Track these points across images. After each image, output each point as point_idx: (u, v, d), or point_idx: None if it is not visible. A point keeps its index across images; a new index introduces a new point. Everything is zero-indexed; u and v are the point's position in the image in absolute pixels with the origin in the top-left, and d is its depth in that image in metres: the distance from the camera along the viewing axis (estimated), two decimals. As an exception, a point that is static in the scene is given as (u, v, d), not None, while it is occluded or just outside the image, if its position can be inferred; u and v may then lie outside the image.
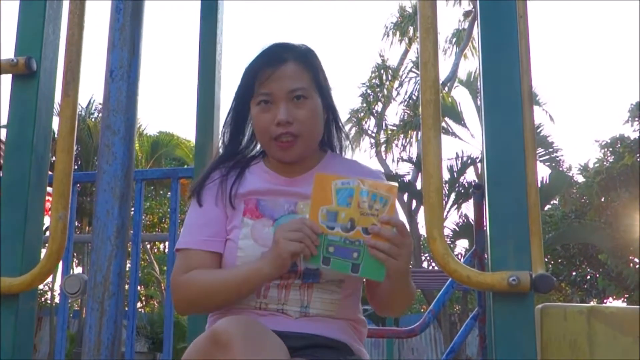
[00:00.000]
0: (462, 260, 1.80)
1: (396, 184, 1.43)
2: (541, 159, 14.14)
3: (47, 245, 1.46)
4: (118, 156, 1.13)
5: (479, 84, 1.44)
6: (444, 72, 16.70)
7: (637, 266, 13.53)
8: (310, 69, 1.61)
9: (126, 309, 2.81)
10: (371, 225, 1.38)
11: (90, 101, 17.18)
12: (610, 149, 13.66)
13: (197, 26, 2.48)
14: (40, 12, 1.59)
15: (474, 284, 1.28)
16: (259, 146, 1.70)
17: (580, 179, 15.52)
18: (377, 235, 1.38)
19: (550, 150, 14.34)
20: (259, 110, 1.58)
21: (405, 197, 14.99)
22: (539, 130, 13.81)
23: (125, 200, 1.13)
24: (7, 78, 1.59)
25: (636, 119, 13.31)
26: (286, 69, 1.58)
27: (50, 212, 1.47)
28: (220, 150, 1.71)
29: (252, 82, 1.60)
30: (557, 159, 14.57)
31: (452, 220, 15.01)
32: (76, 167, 15.60)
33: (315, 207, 1.41)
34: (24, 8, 1.61)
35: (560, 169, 14.69)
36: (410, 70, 17.43)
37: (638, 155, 12.76)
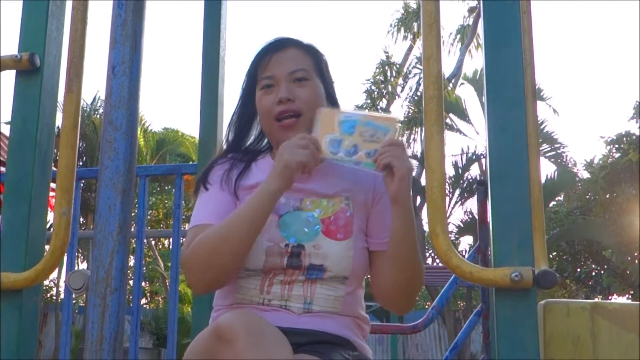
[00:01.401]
0: (465, 256, 1.80)
1: (398, 117, 1.47)
2: (546, 155, 14.10)
3: (50, 241, 1.46)
4: (120, 152, 1.13)
5: (483, 83, 1.44)
6: (448, 68, 16.65)
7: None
8: (311, 55, 1.66)
9: (130, 305, 2.81)
10: (374, 150, 1.43)
11: (95, 97, 17.18)
12: (616, 146, 13.60)
13: (201, 22, 2.48)
14: (44, 8, 1.60)
15: (477, 280, 1.28)
16: (265, 141, 1.71)
17: (585, 175, 15.47)
18: (381, 153, 1.42)
19: (556, 146, 14.31)
20: (261, 94, 1.61)
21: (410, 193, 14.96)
22: (543, 126, 13.77)
23: (127, 195, 1.12)
24: (10, 74, 1.60)
25: (641, 116, 13.25)
26: (287, 53, 1.62)
27: (54, 208, 1.47)
28: (224, 147, 1.71)
29: (255, 71, 1.64)
30: (562, 154, 14.53)
31: (456, 217, 14.99)
32: (81, 163, 15.63)
33: (320, 135, 1.45)
34: (28, 4, 1.62)
35: (565, 164, 14.64)
36: (415, 67, 17.39)
37: (643, 151, 12.70)
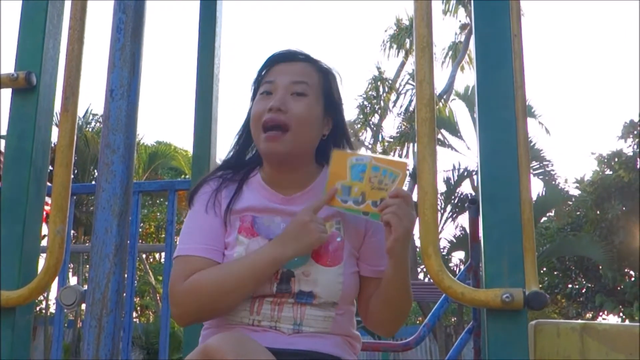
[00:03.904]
0: (457, 273, 1.81)
1: (406, 161, 1.48)
2: (534, 172, 14.15)
3: (44, 256, 1.46)
4: (117, 174, 1.14)
5: (474, 99, 1.46)
6: (440, 85, 16.74)
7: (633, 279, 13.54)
8: (321, 74, 1.61)
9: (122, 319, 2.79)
10: (380, 199, 1.43)
11: (87, 111, 17.15)
12: (606, 165, 13.69)
13: (195, 39, 2.50)
14: (41, 27, 1.61)
15: (468, 301, 1.29)
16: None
17: (576, 192, 15.53)
18: (385, 206, 1.41)
19: (545, 163, 14.39)
20: (259, 98, 1.57)
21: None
22: (532, 144, 13.82)
23: (124, 217, 1.13)
24: (7, 92, 1.61)
25: (630, 135, 13.34)
26: (295, 65, 1.59)
27: (47, 221, 1.47)
28: (220, 162, 1.69)
29: (260, 77, 1.61)
30: (551, 172, 14.60)
31: (448, 232, 14.99)
32: (72, 176, 15.54)
33: (332, 182, 1.47)
34: (25, 23, 1.63)
35: (554, 182, 14.70)
36: (407, 83, 17.48)
37: (636, 171, 12.78)
